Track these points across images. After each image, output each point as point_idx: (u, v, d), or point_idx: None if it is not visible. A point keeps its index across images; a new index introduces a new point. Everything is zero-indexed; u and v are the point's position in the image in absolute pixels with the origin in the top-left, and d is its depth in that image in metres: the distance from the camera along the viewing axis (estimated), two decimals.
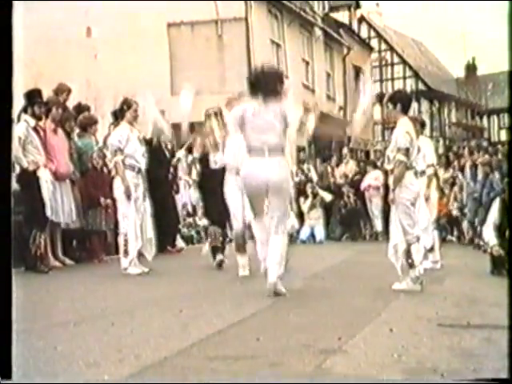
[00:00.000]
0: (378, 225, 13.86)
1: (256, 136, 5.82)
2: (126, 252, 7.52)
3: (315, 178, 15.07)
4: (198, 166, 8.28)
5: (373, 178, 14.16)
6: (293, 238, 13.78)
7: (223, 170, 7.41)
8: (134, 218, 7.56)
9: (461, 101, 40.03)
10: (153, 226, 7.88)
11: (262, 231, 6.10)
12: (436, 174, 8.85)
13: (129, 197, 7.54)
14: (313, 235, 13.88)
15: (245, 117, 5.87)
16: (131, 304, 5.56)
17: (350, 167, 15.41)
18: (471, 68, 42.91)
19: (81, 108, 9.95)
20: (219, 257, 7.87)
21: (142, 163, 7.74)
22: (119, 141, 7.61)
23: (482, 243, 10.20)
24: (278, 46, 20.63)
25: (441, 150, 31.18)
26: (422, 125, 8.68)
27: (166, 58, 18.66)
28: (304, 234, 13.88)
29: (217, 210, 7.68)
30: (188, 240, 11.94)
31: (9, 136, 3.86)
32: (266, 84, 5.92)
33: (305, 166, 15.74)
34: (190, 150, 8.90)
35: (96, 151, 9.25)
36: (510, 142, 4.27)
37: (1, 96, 3.65)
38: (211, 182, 7.66)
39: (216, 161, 7.76)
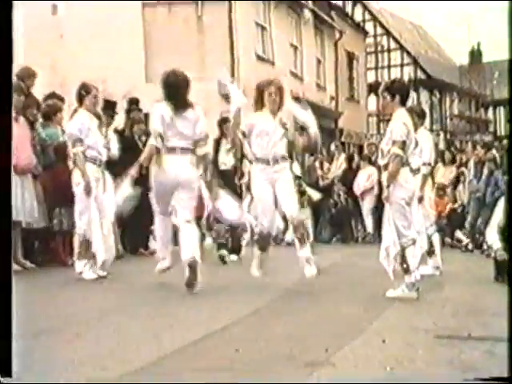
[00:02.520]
0: (370, 225, 13.92)
1: (172, 139, 6.80)
2: (80, 254, 7.48)
3: (301, 174, 15.06)
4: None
5: (365, 178, 14.22)
6: (278, 240, 13.83)
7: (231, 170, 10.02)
8: (93, 216, 7.49)
9: (464, 90, 40.16)
10: (116, 225, 7.87)
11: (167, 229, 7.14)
12: (432, 174, 8.89)
13: (88, 193, 7.47)
14: None
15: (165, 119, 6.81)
16: (95, 312, 5.54)
17: (341, 163, 15.42)
18: (476, 54, 43.05)
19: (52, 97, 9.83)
20: (223, 252, 9.99)
21: (104, 155, 7.72)
22: (79, 130, 7.52)
23: (485, 247, 10.27)
24: (264, 28, 20.61)
25: (441, 145, 31.37)
26: (422, 115, 8.69)
27: (141, 41, 18.59)
28: (290, 235, 13.88)
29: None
30: None
31: (9, 136, 4.09)
32: (177, 91, 6.96)
33: (294, 164, 15.76)
34: None
35: (61, 142, 9.18)
36: (510, 136, 4.31)
37: (1, 96, 3.81)
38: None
39: (225, 162, 10.12)
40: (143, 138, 10.19)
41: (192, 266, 6.51)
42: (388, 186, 6.38)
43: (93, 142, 7.59)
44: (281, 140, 7.14)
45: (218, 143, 10.25)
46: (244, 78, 18.38)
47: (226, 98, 17.76)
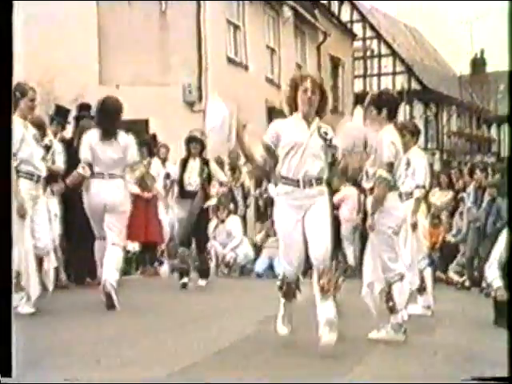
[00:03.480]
0: (351, 257, 13.98)
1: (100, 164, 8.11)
2: (16, 286, 7.35)
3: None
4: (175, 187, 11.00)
5: (341, 195, 14.29)
6: (246, 271, 13.87)
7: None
8: (27, 245, 7.35)
9: (464, 104, 40.43)
10: (60, 251, 7.90)
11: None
12: (426, 198, 8.97)
13: (23, 216, 7.26)
14: (271, 267, 13.92)
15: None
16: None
17: None
18: (479, 63, 43.45)
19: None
20: (184, 280, 10.62)
21: (43, 170, 7.68)
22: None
23: (484, 284, 10.36)
24: (237, 27, 20.67)
25: (437, 166, 31.62)
26: (415, 132, 8.76)
27: (94, 38, 18.52)
28: (260, 265, 13.93)
29: (186, 231, 10.59)
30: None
31: (9, 136, 4.55)
32: (108, 118, 8.06)
33: (263, 186, 15.82)
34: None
35: None
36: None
37: (1, 96, 4.05)
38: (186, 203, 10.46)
39: (191, 183, 10.70)
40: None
41: (105, 289, 7.76)
42: (373, 213, 6.43)
43: (27, 155, 7.45)
44: (317, 156, 6.18)
45: (184, 163, 10.97)
46: (212, 83, 18.44)
47: (191, 104, 17.95)
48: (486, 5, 68.29)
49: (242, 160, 17.16)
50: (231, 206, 13.97)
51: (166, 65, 17.92)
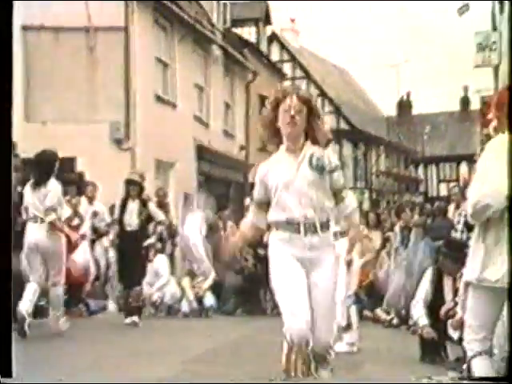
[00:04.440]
0: None
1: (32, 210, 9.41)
2: None
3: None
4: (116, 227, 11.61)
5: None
6: (173, 310, 13.80)
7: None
8: None
9: (392, 145, 41.17)
10: None
11: None
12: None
13: None
14: (199, 307, 13.90)
15: None
16: None
17: None
18: (405, 106, 44.42)
19: None
20: (134, 318, 11.14)
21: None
22: None
23: (410, 322, 10.52)
24: (166, 65, 20.74)
25: (366, 205, 32.05)
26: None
27: (19, 72, 18.39)
28: (188, 305, 13.89)
29: (131, 272, 11.31)
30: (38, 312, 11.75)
31: (9, 136, 4.58)
32: (38, 169, 9.27)
33: None
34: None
35: None
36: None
37: (1, 96, 4.36)
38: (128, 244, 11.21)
39: (130, 223, 11.25)
40: (19, 189, 10.39)
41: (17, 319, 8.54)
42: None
43: None
44: (316, 190, 5.17)
45: (123, 204, 11.47)
46: (140, 120, 18.46)
47: (119, 142, 17.91)
48: (413, 49, 69.90)
49: (170, 197, 17.20)
50: (158, 244, 13.94)
51: (93, 102, 17.87)
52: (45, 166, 9.52)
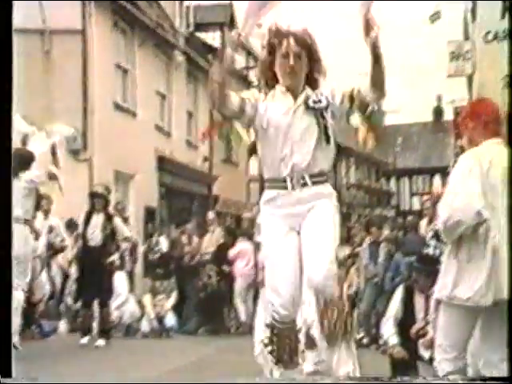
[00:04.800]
0: (243, 313, 14.09)
1: None
2: None
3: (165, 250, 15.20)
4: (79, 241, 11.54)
5: (236, 250, 14.49)
6: (132, 330, 13.77)
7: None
8: None
9: (362, 156, 41.34)
10: None
11: None
12: None
13: None
14: (159, 326, 13.89)
15: None
16: None
17: (215, 237, 15.55)
18: (376, 116, 44.62)
19: None
20: (101, 342, 11.18)
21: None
22: None
23: (380, 342, 10.59)
24: (125, 71, 20.71)
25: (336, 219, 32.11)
26: None
27: None
28: (148, 324, 13.88)
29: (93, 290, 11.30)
30: None
31: (9, 137, 4.79)
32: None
33: (153, 239, 15.83)
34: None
35: None
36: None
37: (1, 96, 4.60)
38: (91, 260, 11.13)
39: (93, 238, 11.14)
40: None
41: None
42: (263, 268, 6.52)
43: None
44: (310, 140, 4.82)
45: (87, 217, 11.52)
46: (98, 130, 18.41)
47: (76, 153, 17.85)
48: (385, 57, 70.41)
49: (130, 210, 17.18)
50: (117, 261, 13.92)
51: (49, 109, 17.77)
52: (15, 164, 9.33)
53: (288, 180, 4.75)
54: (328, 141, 4.88)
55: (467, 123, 5.50)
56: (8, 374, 3.80)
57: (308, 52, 4.82)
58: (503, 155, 5.22)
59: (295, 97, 4.80)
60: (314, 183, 4.80)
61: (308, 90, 4.83)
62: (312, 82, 4.91)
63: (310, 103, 4.75)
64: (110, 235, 11.52)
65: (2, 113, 4.20)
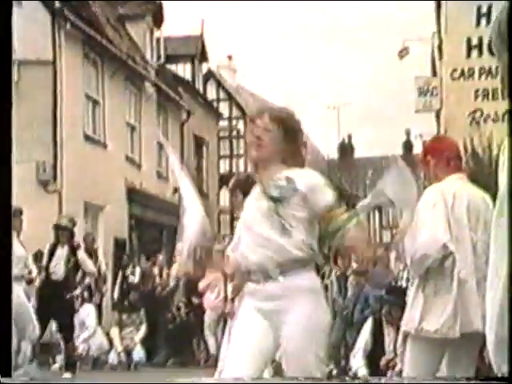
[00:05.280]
0: (213, 346, 14.06)
1: None
2: None
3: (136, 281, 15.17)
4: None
5: (207, 282, 14.43)
6: (100, 363, 13.70)
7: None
8: None
9: (334, 189, 41.51)
10: None
11: None
12: None
13: None
14: (128, 359, 13.84)
15: None
16: None
17: (185, 268, 15.54)
18: (346, 148, 45.00)
19: None
20: (66, 375, 11.02)
21: None
22: None
23: (349, 374, 10.63)
24: (96, 102, 20.73)
25: None
26: None
27: None
28: (116, 357, 13.82)
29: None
30: None
31: (9, 137, 4.60)
32: None
33: (128, 271, 15.79)
34: None
35: None
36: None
37: (1, 96, 4.31)
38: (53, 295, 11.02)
39: (56, 272, 11.01)
40: None
41: None
42: (233, 300, 6.53)
43: None
44: (270, 226, 4.22)
45: (52, 250, 11.37)
46: (68, 161, 18.39)
47: (45, 184, 17.84)
48: (354, 91, 71.04)
49: (99, 242, 17.17)
50: (85, 293, 13.86)
51: (18, 140, 17.69)
52: None
53: (254, 272, 4.24)
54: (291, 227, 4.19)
55: (429, 160, 5.61)
56: (8, 374, 3.80)
57: (284, 128, 4.40)
58: (466, 189, 5.34)
59: (262, 182, 4.36)
60: (283, 275, 4.19)
61: (275, 174, 4.32)
62: (288, 160, 4.45)
63: (272, 187, 4.25)
64: (74, 268, 11.40)
65: (2, 112, 4.34)
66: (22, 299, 10.92)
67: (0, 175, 4.42)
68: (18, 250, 13.52)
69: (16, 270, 13.04)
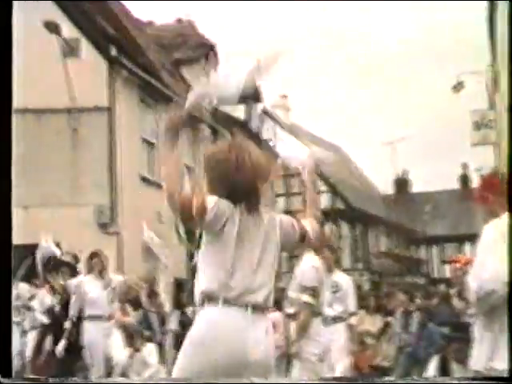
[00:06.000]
0: None
1: None
2: None
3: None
4: None
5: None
6: None
7: None
8: None
9: (391, 224, 41.14)
10: None
11: None
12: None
13: None
14: None
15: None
16: None
17: None
18: (402, 183, 44.66)
19: None
20: None
21: None
22: None
23: None
24: (151, 144, 20.89)
25: (366, 287, 31.92)
26: (335, 250, 8.97)
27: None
28: None
29: None
30: None
31: (9, 137, 4.66)
32: None
33: (188, 310, 15.78)
34: None
35: None
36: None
37: (1, 96, 4.40)
38: None
39: None
40: None
41: None
42: (297, 340, 6.48)
43: None
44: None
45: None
46: (126, 203, 18.51)
47: (104, 226, 17.96)
48: (409, 126, 70.64)
49: (160, 284, 17.16)
50: (147, 333, 13.83)
51: (77, 184, 17.95)
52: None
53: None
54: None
55: (487, 196, 5.51)
56: (8, 374, 3.79)
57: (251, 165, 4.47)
58: None
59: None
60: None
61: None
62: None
63: None
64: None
65: (2, 113, 4.31)
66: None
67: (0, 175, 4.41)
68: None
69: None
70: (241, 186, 4.22)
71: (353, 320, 8.55)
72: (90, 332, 10.66)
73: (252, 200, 4.21)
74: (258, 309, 3.92)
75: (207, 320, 3.91)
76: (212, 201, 4.18)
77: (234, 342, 3.79)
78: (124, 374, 12.96)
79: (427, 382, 5.22)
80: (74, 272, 13.23)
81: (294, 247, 4.44)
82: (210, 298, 3.93)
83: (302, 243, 4.33)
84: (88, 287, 10.80)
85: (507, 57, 5.17)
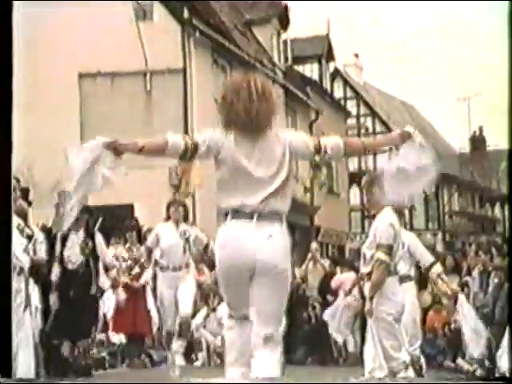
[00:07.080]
0: (351, 344, 13.82)
1: None
2: None
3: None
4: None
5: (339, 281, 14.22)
6: None
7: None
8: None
9: (465, 183, 40.62)
10: None
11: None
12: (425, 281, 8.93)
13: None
14: None
15: None
16: None
17: (318, 268, 15.46)
18: (478, 141, 43.86)
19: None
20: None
21: (26, 261, 7.58)
22: None
23: (497, 375, 10.24)
24: None
25: (439, 248, 31.58)
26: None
27: (76, 119, 18.62)
28: None
29: None
30: (98, 364, 11.73)
31: (9, 137, 4.73)
32: None
33: None
34: None
35: None
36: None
37: (1, 95, 4.40)
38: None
39: (72, 260, 9.85)
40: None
41: None
42: (371, 298, 6.40)
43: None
44: None
45: (65, 237, 10.14)
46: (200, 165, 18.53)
47: (177, 188, 18.04)
48: (485, 81, 69.48)
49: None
50: None
51: None
52: None
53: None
54: None
55: None
56: (8, 374, 3.82)
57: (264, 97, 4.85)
58: None
59: None
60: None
61: None
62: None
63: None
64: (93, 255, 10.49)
65: (2, 113, 4.28)
66: None
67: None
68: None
69: None
70: (248, 111, 4.78)
71: (434, 270, 8.29)
72: (163, 282, 10.31)
73: (252, 125, 4.76)
74: (263, 218, 4.59)
75: (222, 230, 4.69)
76: (202, 135, 4.97)
77: (240, 245, 4.56)
78: (198, 332, 13.01)
79: (427, 382, 5.09)
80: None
81: (311, 158, 4.87)
82: (224, 214, 4.72)
83: (318, 154, 4.74)
84: (164, 235, 10.35)
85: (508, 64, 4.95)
